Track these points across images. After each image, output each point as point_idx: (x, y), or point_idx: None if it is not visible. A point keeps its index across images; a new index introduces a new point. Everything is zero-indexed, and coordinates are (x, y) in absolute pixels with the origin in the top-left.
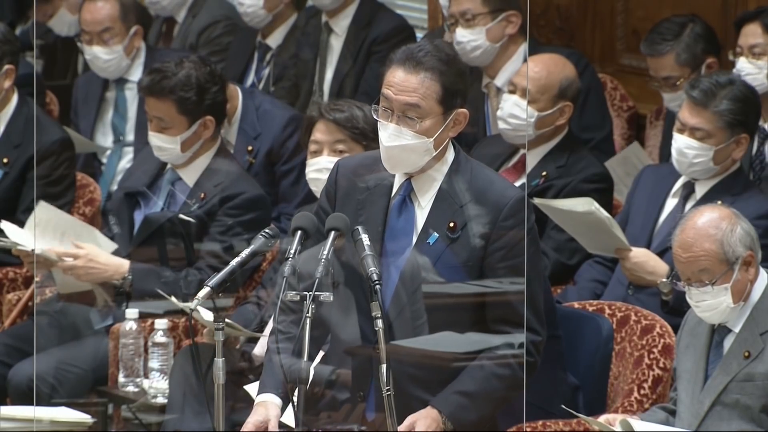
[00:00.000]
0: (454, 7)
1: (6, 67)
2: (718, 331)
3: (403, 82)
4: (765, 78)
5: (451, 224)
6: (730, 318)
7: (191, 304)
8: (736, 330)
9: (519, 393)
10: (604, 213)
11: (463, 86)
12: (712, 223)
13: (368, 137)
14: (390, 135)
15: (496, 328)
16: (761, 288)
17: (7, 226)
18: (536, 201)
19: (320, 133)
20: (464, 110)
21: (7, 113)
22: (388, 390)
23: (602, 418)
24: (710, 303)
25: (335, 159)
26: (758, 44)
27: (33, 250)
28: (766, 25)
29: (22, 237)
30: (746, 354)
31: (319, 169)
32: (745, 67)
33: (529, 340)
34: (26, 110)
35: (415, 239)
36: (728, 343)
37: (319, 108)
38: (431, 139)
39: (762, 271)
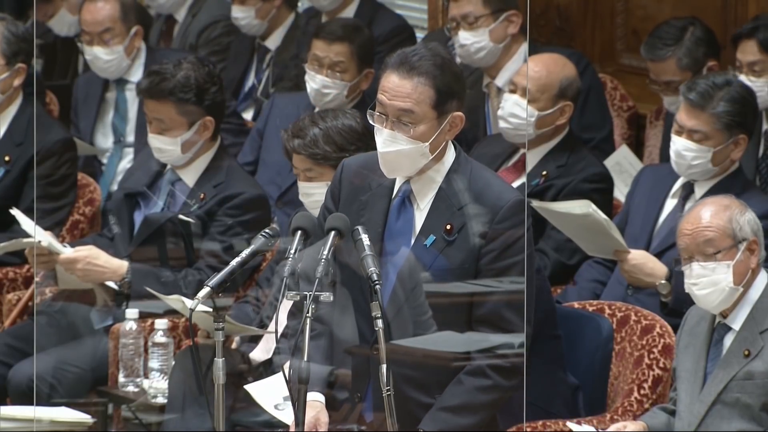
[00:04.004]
0: (455, 10)
1: (18, 65)
2: (718, 330)
3: (396, 87)
4: (767, 95)
5: (448, 226)
6: (727, 304)
7: (191, 304)
8: (736, 328)
9: (507, 398)
10: (602, 215)
11: (458, 89)
12: (722, 202)
13: (330, 158)
14: (384, 140)
15: (477, 329)
16: (761, 286)
17: (18, 213)
18: (534, 204)
19: (294, 160)
20: (460, 113)
21: (12, 111)
22: (388, 390)
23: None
24: (711, 279)
25: (309, 185)
26: (757, 61)
27: (34, 246)
28: (761, 41)
29: (30, 226)
30: (746, 353)
31: (302, 193)
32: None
33: (508, 344)
34: (30, 110)
35: (413, 241)
36: (728, 341)
37: (284, 135)
38: (426, 144)
39: (762, 270)
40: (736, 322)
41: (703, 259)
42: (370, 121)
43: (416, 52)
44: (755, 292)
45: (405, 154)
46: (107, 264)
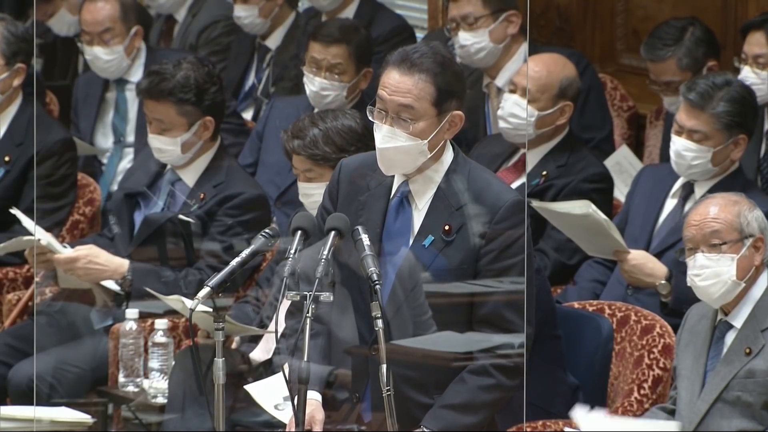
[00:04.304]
0: (455, 11)
1: (18, 65)
2: (719, 327)
3: (397, 83)
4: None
5: (446, 227)
6: (728, 299)
7: (191, 304)
8: (738, 326)
9: (509, 397)
10: (602, 215)
11: (458, 88)
12: (732, 198)
13: (330, 159)
14: (384, 136)
15: (478, 329)
16: (764, 285)
17: (18, 214)
18: (534, 204)
19: (294, 161)
20: (460, 112)
21: (11, 112)
22: (388, 390)
23: None
24: (714, 271)
25: (309, 185)
26: (763, 54)
27: (34, 246)
28: None
29: (31, 224)
30: (747, 351)
31: (302, 194)
32: (748, 76)
33: (509, 344)
34: (30, 110)
35: (411, 241)
36: (729, 339)
37: (284, 136)
38: (425, 141)
39: (766, 269)
40: (738, 320)
41: (708, 250)
42: (370, 117)
43: (417, 49)
44: (758, 290)
45: (404, 150)
46: (108, 263)
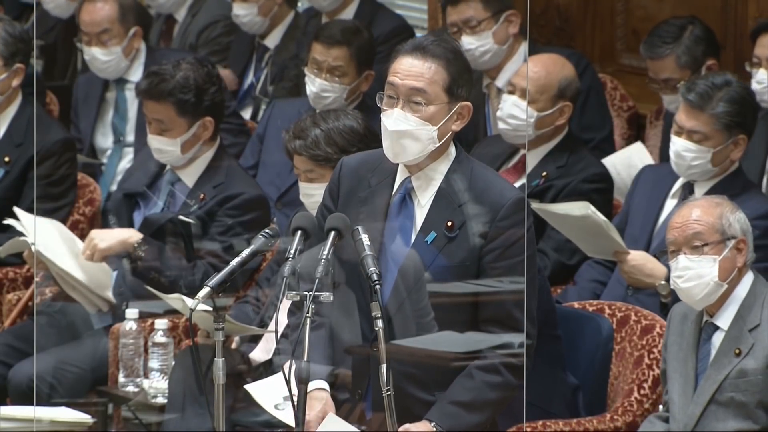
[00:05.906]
0: (455, 16)
1: (16, 65)
2: (705, 329)
3: (410, 68)
4: None
5: (449, 223)
6: (710, 300)
7: (191, 304)
8: (724, 327)
9: (514, 397)
10: (601, 216)
11: (468, 79)
12: (713, 201)
13: (332, 159)
14: (395, 119)
15: (485, 329)
16: (748, 285)
17: (16, 221)
18: (533, 206)
19: (295, 161)
20: (468, 104)
21: (11, 112)
22: (388, 390)
23: None
24: (696, 272)
25: (310, 185)
26: None
27: (33, 249)
28: None
29: (28, 228)
30: (737, 351)
31: (303, 194)
32: (764, 79)
33: (510, 344)
34: (29, 110)
35: (413, 238)
36: (716, 340)
37: (285, 136)
38: (435, 128)
39: (749, 270)
40: (724, 321)
41: (690, 251)
42: (379, 104)
43: (428, 38)
44: (742, 291)
45: (414, 135)
46: (115, 232)
